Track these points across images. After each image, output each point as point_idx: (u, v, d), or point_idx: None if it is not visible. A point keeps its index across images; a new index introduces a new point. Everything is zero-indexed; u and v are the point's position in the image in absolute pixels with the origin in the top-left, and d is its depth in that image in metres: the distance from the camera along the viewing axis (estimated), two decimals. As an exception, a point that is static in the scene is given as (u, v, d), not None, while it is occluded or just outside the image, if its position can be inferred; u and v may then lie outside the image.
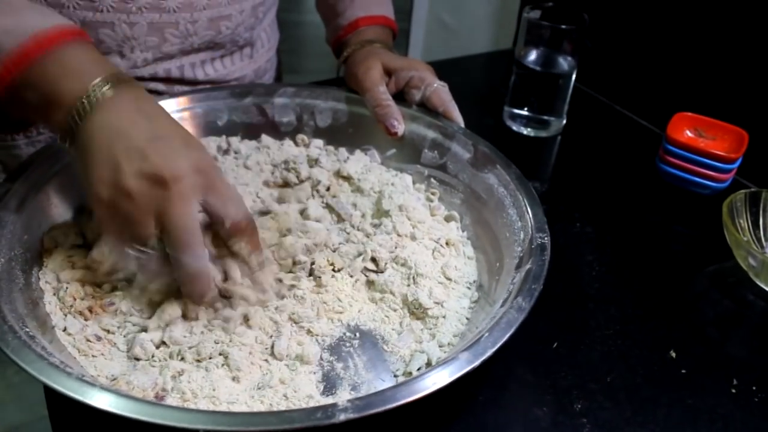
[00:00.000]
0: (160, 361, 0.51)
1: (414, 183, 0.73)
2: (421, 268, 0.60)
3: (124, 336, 0.53)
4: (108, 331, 0.54)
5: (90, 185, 0.51)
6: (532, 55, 0.89)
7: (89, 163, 0.51)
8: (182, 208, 0.49)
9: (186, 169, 0.50)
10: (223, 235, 0.53)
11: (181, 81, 0.79)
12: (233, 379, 0.50)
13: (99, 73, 0.53)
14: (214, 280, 0.53)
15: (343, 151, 0.76)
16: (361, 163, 0.74)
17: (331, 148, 0.77)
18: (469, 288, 0.61)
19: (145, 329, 0.53)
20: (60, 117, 0.53)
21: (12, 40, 0.53)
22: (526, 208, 0.61)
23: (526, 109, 0.92)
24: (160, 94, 0.79)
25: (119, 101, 0.52)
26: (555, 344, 0.59)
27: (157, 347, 0.52)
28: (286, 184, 0.71)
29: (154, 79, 0.77)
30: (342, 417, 0.40)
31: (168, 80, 0.78)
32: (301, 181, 0.71)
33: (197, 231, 0.50)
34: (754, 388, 0.57)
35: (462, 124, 0.73)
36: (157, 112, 0.54)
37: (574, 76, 0.90)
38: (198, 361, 0.51)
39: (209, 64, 0.80)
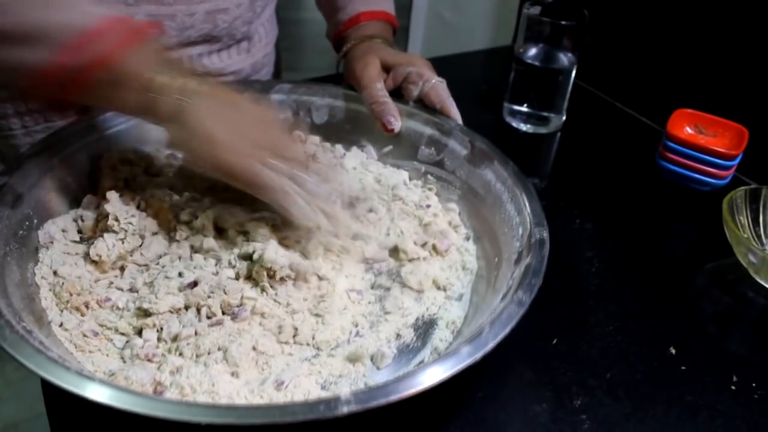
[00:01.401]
0: (158, 357, 0.51)
1: (411, 179, 0.73)
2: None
3: (121, 333, 0.53)
4: (105, 327, 0.53)
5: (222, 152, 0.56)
6: (532, 52, 0.89)
7: (211, 135, 0.56)
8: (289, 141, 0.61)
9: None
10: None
11: None
12: (232, 374, 0.50)
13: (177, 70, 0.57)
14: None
15: (339, 148, 0.76)
16: (358, 160, 0.73)
17: (327, 144, 0.77)
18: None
19: (139, 330, 0.53)
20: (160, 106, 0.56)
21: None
22: (524, 204, 0.60)
23: (525, 105, 0.91)
24: None
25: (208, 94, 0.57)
26: (554, 340, 0.59)
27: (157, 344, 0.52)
28: None
29: None
30: (345, 409, 0.40)
31: None
32: None
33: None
34: (753, 384, 0.57)
35: (460, 121, 0.72)
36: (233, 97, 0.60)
37: (573, 73, 0.89)
38: (197, 356, 0.51)
39: (206, 57, 0.80)
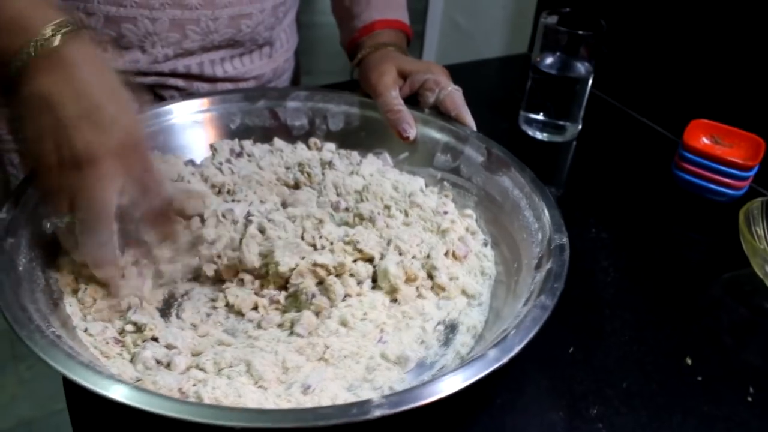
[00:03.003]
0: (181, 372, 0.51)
1: (427, 186, 0.73)
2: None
3: (133, 344, 0.53)
4: (123, 332, 0.54)
5: (22, 153, 0.53)
6: (549, 60, 0.89)
7: (23, 128, 0.51)
8: (92, 193, 0.50)
9: (105, 153, 0.50)
10: (141, 218, 0.54)
11: (201, 77, 0.80)
12: (258, 386, 0.50)
13: (45, 22, 0.50)
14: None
15: (355, 155, 0.77)
16: (374, 167, 0.74)
17: (343, 151, 0.77)
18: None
19: (153, 338, 0.53)
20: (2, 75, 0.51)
21: None
22: (543, 210, 0.61)
23: (541, 113, 0.92)
24: (180, 90, 0.80)
25: (57, 60, 0.50)
26: (571, 349, 0.60)
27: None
28: (297, 186, 0.72)
29: (174, 74, 0.78)
30: (377, 413, 0.41)
31: (187, 76, 0.79)
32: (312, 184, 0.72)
33: (104, 217, 0.51)
34: (770, 396, 0.57)
35: (474, 129, 0.73)
36: (95, 77, 0.51)
37: (590, 82, 0.90)
38: (219, 370, 0.51)
39: (228, 61, 0.81)
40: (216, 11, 0.74)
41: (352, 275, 0.59)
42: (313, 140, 0.78)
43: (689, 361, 0.59)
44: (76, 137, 0.49)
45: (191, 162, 0.72)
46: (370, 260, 0.61)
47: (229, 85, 0.82)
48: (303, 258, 0.58)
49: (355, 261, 0.61)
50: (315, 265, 0.57)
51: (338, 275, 0.59)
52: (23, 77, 0.50)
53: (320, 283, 0.58)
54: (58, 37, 0.50)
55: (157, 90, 0.79)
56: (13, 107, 0.52)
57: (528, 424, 0.53)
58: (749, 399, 0.56)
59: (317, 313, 0.56)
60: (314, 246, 0.61)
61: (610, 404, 0.55)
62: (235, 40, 0.79)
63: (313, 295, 0.57)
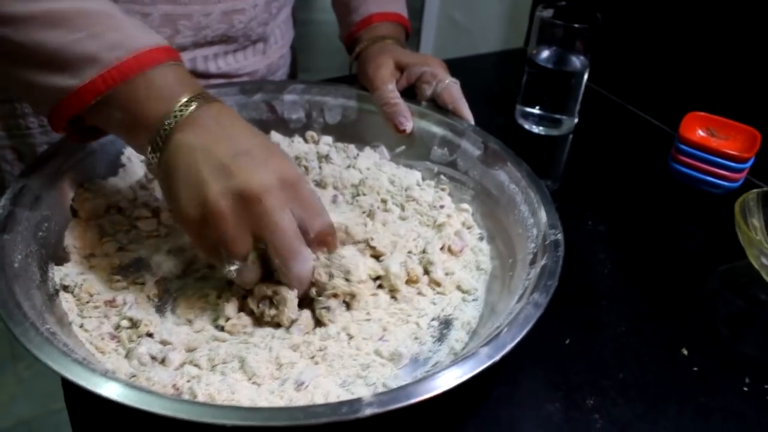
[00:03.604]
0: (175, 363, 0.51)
1: (423, 179, 0.73)
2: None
3: (128, 339, 0.53)
4: (122, 328, 0.54)
5: (178, 207, 0.51)
6: (545, 54, 0.89)
7: (175, 185, 0.51)
8: (280, 218, 0.50)
9: (273, 182, 0.50)
10: (307, 244, 0.53)
11: (193, 74, 0.79)
12: (251, 382, 0.50)
13: (185, 92, 0.53)
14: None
15: (352, 148, 0.77)
16: (371, 160, 0.74)
17: (340, 144, 0.77)
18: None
19: (148, 334, 0.53)
20: (144, 138, 0.53)
21: (116, 55, 0.52)
22: (538, 205, 0.61)
23: (538, 107, 0.92)
24: None
25: (200, 119, 0.52)
26: (567, 341, 0.60)
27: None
28: None
29: None
30: (368, 411, 0.41)
31: None
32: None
33: (300, 235, 0.51)
34: (766, 386, 0.57)
35: (472, 122, 0.73)
36: (238, 126, 0.54)
37: (586, 75, 0.90)
38: (213, 366, 0.51)
39: (221, 57, 0.81)
40: (208, 6, 0.74)
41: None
42: (310, 133, 0.78)
43: (685, 352, 0.60)
44: (242, 175, 0.49)
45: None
46: (377, 257, 0.61)
47: (222, 82, 0.82)
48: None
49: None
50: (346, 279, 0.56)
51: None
52: (167, 137, 0.51)
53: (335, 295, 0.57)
54: (196, 103, 0.52)
55: None
56: (158, 170, 0.53)
57: (524, 417, 0.53)
58: (745, 389, 0.56)
59: (318, 321, 0.56)
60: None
61: (607, 395, 0.55)
62: (227, 36, 0.79)
63: (330, 308, 0.56)
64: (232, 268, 0.52)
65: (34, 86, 0.53)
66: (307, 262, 0.53)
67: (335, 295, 0.55)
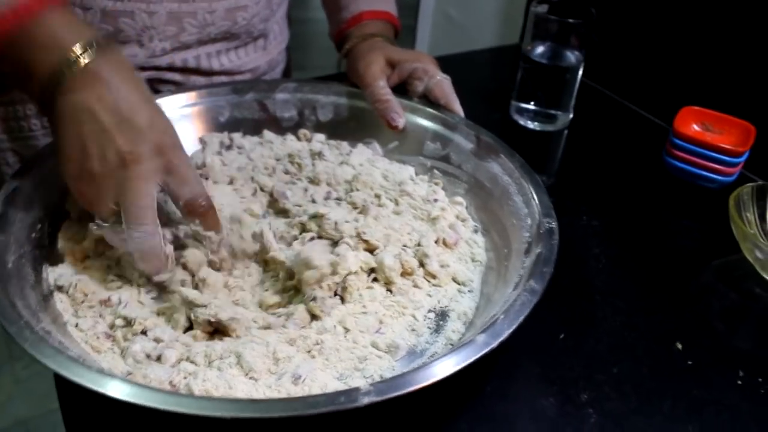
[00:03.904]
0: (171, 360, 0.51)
1: (417, 174, 0.73)
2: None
3: (123, 338, 0.53)
4: (117, 327, 0.54)
5: (61, 163, 0.53)
6: (539, 50, 0.89)
7: (60, 141, 0.53)
8: (137, 187, 0.52)
9: (147, 152, 0.52)
10: (181, 215, 0.56)
11: (197, 71, 0.80)
12: (249, 377, 0.50)
13: (75, 40, 0.53)
14: (170, 260, 0.55)
15: (345, 145, 0.77)
16: (364, 156, 0.74)
17: (333, 141, 0.77)
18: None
19: (143, 332, 0.53)
20: (35, 89, 0.53)
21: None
22: (532, 195, 0.61)
23: (532, 103, 0.92)
24: (177, 84, 0.80)
25: (92, 75, 0.52)
26: (562, 336, 0.60)
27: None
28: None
29: (172, 68, 0.78)
30: (365, 400, 0.41)
31: (185, 70, 0.79)
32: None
33: (149, 209, 0.53)
34: (760, 380, 0.57)
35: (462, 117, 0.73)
36: (127, 88, 0.54)
37: (581, 71, 0.90)
38: (209, 362, 0.51)
39: (224, 54, 0.81)
40: (213, 4, 0.74)
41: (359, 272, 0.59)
42: (302, 131, 0.78)
43: (679, 346, 0.60)
44: (118, 140, 0.52)
45: None
46: (371, 251, 0.61)
47: (225, 79, 0.83)
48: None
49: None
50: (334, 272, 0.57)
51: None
52: (59, 92, 0.52)
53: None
54: (89, 53, 0.53)
55: (155, 84, 0.79)
56: (49, 119, 0.55)
57: (518, 411, 0.53)
58: (739, 382, 0.56)
59: (313, 314, 0.56)
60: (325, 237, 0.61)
61: (601, 390, 0.55)
62: (231, 33, 0.79)
63: (317, 298, 0.56)
64: (94, 227, 0.55)
65: None
66: (150, 236, 0.53)
67: (320, 287, 0.55)
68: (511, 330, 0.46)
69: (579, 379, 0.56)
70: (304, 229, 0.61)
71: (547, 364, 0.57)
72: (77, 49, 0.52)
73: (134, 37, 0.73)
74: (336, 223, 0.60)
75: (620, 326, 0.61)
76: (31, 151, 0.76)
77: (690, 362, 0.58)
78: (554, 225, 0.57)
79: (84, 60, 0.52)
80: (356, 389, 0.41)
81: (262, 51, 0.87)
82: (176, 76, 0.79)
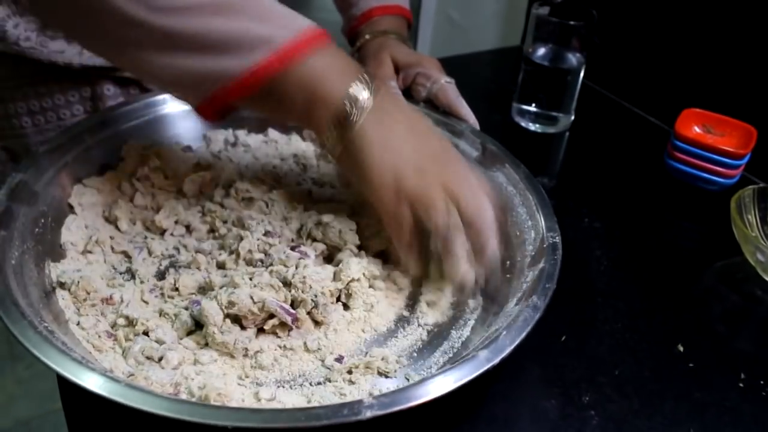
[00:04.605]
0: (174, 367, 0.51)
1: None
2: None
3: (125, 338, 0.53)
4: (119, 326, 0.54)
5: (373, 189, 0.55)
6: (541, 52, 0.89)
7: (369, 168, 0.55)
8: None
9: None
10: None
11: None
12: (251, 383, 0.50)
13: (354, 74, 0.55)
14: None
15: None
16: None
17: None
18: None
19: (144, 332, 0.53)
20: (324, 119, 0.55)
21: (286, 33, 0.54)
22: (536, 208, 0.61)
23: (534, 105, 0.92)
24: None
25: (383, 113, 0.55)
26: (563, 338, 0.60)
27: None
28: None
29: None
30: (368, 414, 0.41)
31: None
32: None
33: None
34: (761, 382, 0.57)
35: (472, 119, 0.73)
36: (423, 126, 0.58)
37: (582, 73, 0.90)
38: (211, 367, 0.51)
39: None
40: None
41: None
42: (307, 131, 0.78)
43: (681, 348, 0.60)
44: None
45: (189, 148, 0.72)
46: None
47: None
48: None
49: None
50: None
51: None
52: (356, 122, 0.54)
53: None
54: (365, 88, 0.54)
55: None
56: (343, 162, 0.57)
57: (520, 413, 0.53)
58: (740, 385, 0.57)
59: (316, 321, 0.56)
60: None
61: (603, 392, 0.55)
62: None
63: (319, 305, 0.55)
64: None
65: (192, 73, 0.53)
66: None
67: (323, 293, 0.55)
68: (512, 347, 0.47)
69: (581, 381, 0.56)
70: (309, 235, 0.61)
71: (549, 365, 0.57)
72: (354, 79, 0.54)
73: None
74: (341, 232, 0.60)
75: (622, 328, 0.61)
76: (23, 150, 0.76)
77: (691, 364, 0.58)
78: (558, 240, 0.57)
79: (369, 97, 0.54)
80: (359, 402, 0.41)
81: None
82: None
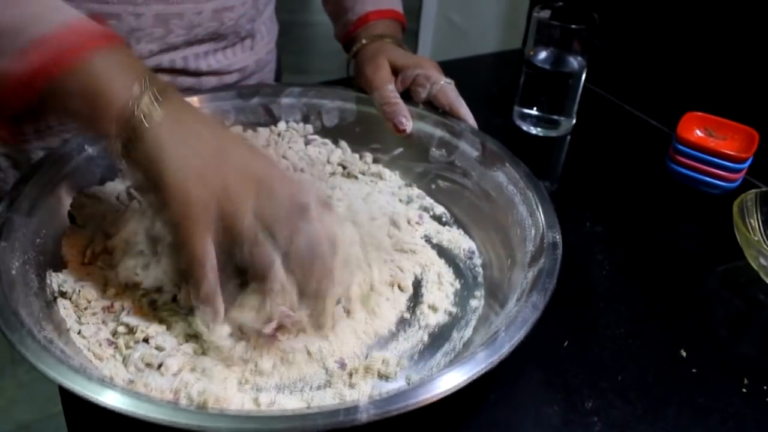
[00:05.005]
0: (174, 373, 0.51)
1: (417, 186, 0.74)
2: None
3: (125, 345, 0.53)
4: (120, 334, 0.54)
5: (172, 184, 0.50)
6: (542, 55, 0.89)
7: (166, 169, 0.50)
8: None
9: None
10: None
11: (185, 72, 0.79)
12: (250, 389, 0.50)
13: (135, 77, 0.51)
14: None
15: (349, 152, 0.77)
16: (364, 192, 0.73)
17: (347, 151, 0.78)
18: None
19: (144, 339, 0.53)
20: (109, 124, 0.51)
21: (45, 27, 0.50)
22: (537, 206, 0.61)
23: (535, 108, 0.92)
24: None
25: (171, 119, 0.51)
26: (566, 343, 0.60)
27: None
28: None
29: (159, 70, 0.77)
30: (364, 416, 0.41)
31: (172, 71, 0.78)
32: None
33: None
34: (765, 387, 0.57)
35: (471, 119, 0.73)
36: (214, 123, 0.55)
37: (583, 76, 0.90)
38: (210, 373, 0.50)
39: (212, 55, 0.81)
40: (199, 5, 0.74)
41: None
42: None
43: (684, 354, 0.59)
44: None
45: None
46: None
47: (213, 79, 0.82)
48: None
49: None
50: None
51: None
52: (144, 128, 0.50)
53: None
54: (149, 95, 0.51)
55: None
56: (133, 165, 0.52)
57: (522, 419, 0.53)
58: (744, 390, 0.56)
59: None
60: None
61: (605, 397, 0.55)
62: (218, 34, 0.79)
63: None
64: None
65: None
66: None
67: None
68: (512, 346, 0.46)
69: (583, 386, 0.55)
70: None
71: (551, 371, 0.57)
72: (138, 86, 0.51)
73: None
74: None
75: (624, 333, 0.61)
76: (24, 156, 0.76)
77: (694, 369, 0.58)
78: (558, 238, 0.57)
79: (154, 105, 0.51)
80: (356, 406, 0.41)
81: (250, 51, 0.86)
82: (164, 78, 0.78)
